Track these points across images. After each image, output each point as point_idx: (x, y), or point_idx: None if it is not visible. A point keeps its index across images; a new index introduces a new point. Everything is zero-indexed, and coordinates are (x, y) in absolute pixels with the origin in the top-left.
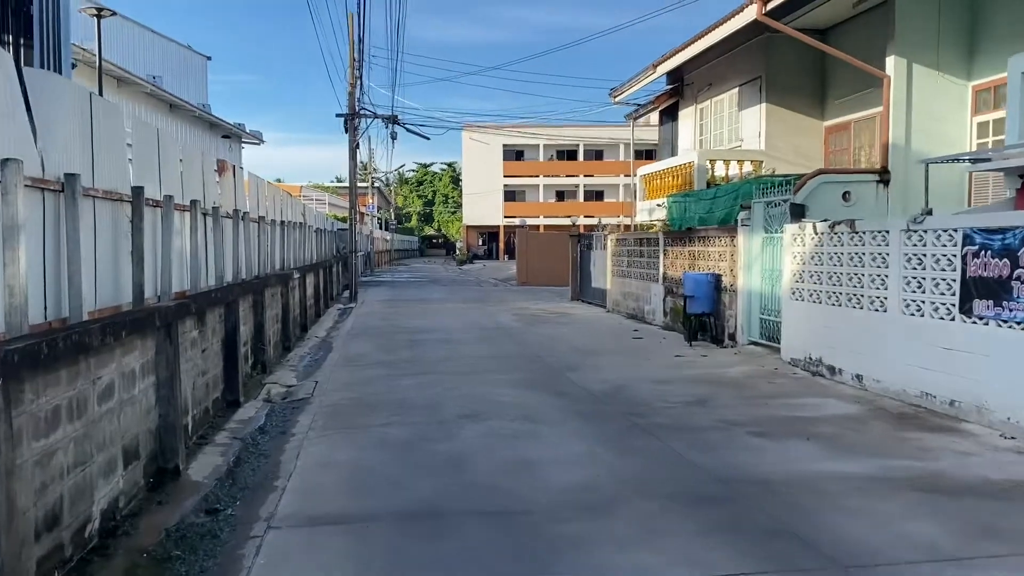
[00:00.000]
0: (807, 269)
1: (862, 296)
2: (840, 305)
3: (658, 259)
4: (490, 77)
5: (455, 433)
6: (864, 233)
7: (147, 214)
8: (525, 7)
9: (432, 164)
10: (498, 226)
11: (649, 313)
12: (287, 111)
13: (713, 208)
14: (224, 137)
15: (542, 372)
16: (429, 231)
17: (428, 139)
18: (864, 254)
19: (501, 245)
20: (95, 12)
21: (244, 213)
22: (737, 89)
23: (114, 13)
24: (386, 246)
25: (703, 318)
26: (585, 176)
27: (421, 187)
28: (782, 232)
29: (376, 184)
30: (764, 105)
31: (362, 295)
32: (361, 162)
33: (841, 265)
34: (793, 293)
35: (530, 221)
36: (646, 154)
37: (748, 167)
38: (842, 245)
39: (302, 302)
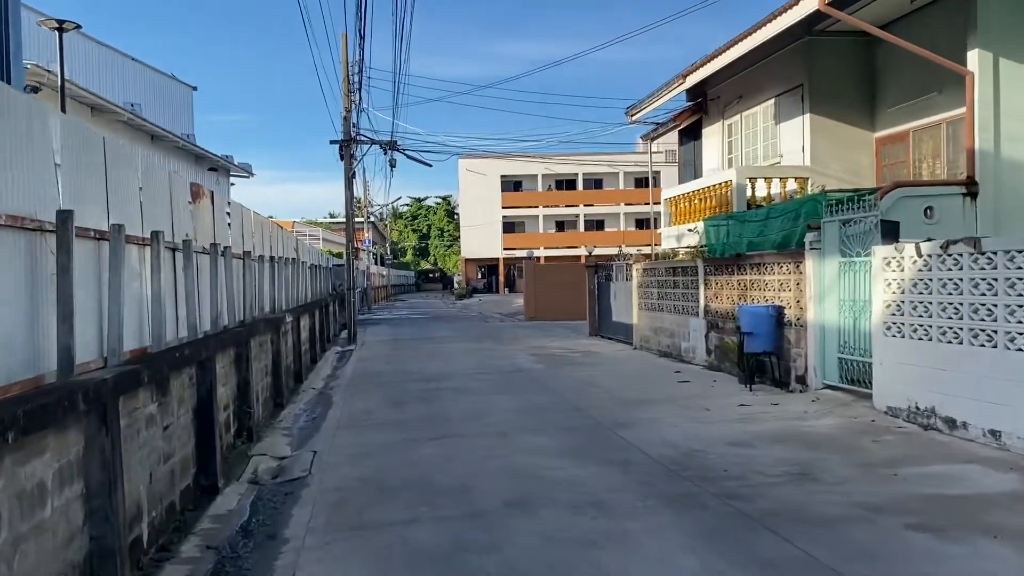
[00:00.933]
0: (909, 298)
1: (994, 332)
2: (960, 342)
3: (697, 290)
4: (492, 97)
5: (503, 536)
6: (996, 254)
7: (83, 249)
8: (528, 40)
9: (427, 198)
10: (497, 258)
11: (687, 351)
12: (279, 148)
13: (765, 231)
14: (211, 170)
15: (588, 431)
16: (425, 265)
17: (430, 166)
18: (997, 279)
19: (501, 278)
20: (56, 26)
21: (225, 248)
22: (773, 100)
23: (78, 26)
24: (383, 281)
25: (762, 357)
26: (585, 205)
27: (416, 221)
28: (866, 255)
29: (371, 219)
30: (807, 116)
31: (361, 335)
32: (356, 199)
33: (960, 293)
34: (889, 328)
35: (530, 253)
36: (644, 182)
37: (792, 185)
38: (960, 269)
39: (296, 348)
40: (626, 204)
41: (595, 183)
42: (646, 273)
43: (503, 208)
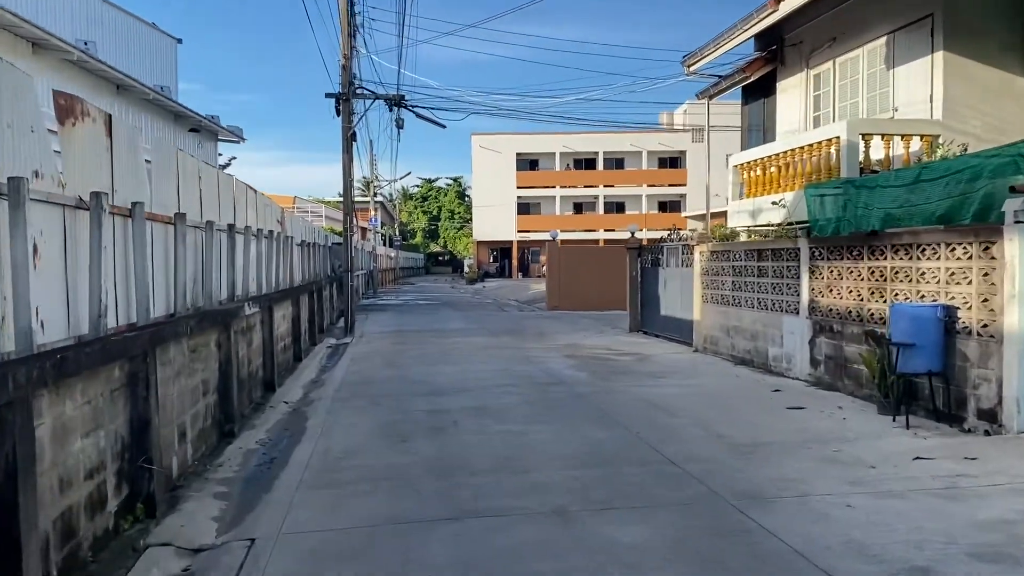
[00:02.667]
0: None
1: None
2: None
3: (797, 280)
4: (515, 45)
5: None
6: None
7: None
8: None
9: (437, 179)
10: (511, 241)
11: (778, 360)
12: (286, 126)
13: (914, 199)
14: (192, 131)
15: (701, 512)
16: (435, 248)
17: (443, 126)
18: None
19: (515, 262)
20: None
21: (136, 204)
22: (886, 39)
23: None
24: (391, 264)
25: (918, 379)
26: (605, 186)
27: (426, 202)
28: None
29: (379, 198)
30: (939, 56)
31: (361, 324)
32: (363, 177)
33: None
34: None
35: (545, 236)
36: (668, 162)
37: (916, 145)
38: None
39: (267, 347)
40: (649, 185)
41: (616, 162)
42: (715, 257)
43: (518, 188)
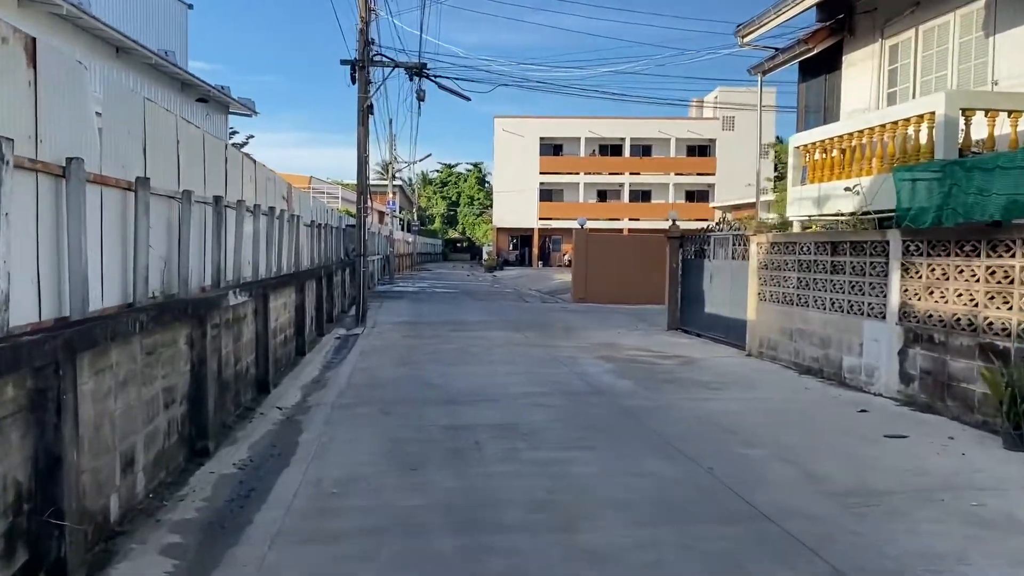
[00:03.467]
0: None
1: None
2: None
3: (885, 278)
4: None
5: None
6: None
7: None
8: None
9: (457, 164)
10: (532, 229)
11: (856, 372)
12: (305, 108)
13: None
14: (200, 101)
15: None
16: (453, 234)
17: (468, 99)
18: None
19: (535, 250)
20: None
21: (74, 161)
22: (985, 1)
23: None
24: (408, 249)
25: None
26: (631, 174)
27: (445, 188)
28: None
29: (398, 181)
30: None
31: (375, 313)
32: (382, 160)
33: None
34: None
35: (568, 224)
36: (696, 150)
37: None
38: None
39: (260, 343)
40: (676, 174)
41: (643, 149)
42: (776, 250)
43: (541, 173)
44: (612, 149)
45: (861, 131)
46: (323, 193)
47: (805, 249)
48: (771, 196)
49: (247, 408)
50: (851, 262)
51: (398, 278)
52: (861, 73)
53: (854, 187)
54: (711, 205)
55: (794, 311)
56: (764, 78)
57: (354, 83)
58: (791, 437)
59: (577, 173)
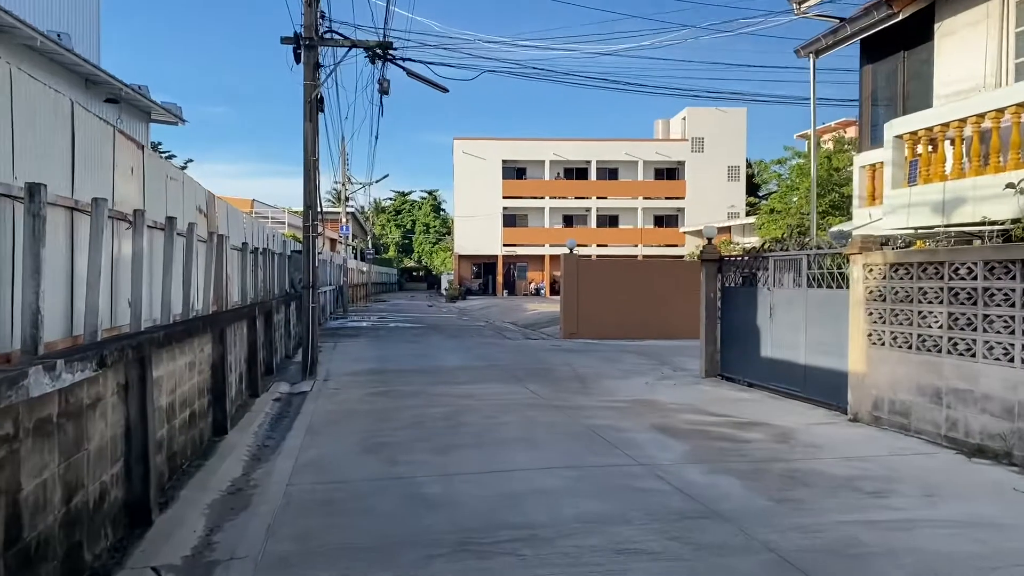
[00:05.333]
0: None
1: None
2: None
3: None
4: None
5: None
6: None
7: None
8: None
9: (411, 192)
10: (496, 256)
11: None
12: (256, 141)
13: None
14: (110, 101)
15: None
16: (409, 263)
17: (446, 90)
18: None
19: (500, 278)
20: None
21: None
22: None
23: None
24: (363, 279)
25: None
26: (598, 198)
27: (399, 216)
28: None
29: (351, 207)
30: None
31: (327, 359)
32: (333, 187)
33: None
34: None
35: (534, 250)
36: (664, 173)
37: None
38: None
39: (131, 442)
40: (644, 198)
41: (609, 172)
42: (904, 273)
43: (504, 198)
44: (578, 172)
45: (1003, 109)
46: (267, 218)
47: (962, 272)
48: (746, 220)
49: (93, 574)
50: None
51: (352, 311)
52: (966, 42)
53: (1019, 184)
54: (681, 230)
55: (944, 362)
56: (816, 59)
57: (299, 62)
58: None
59: (542, 197)
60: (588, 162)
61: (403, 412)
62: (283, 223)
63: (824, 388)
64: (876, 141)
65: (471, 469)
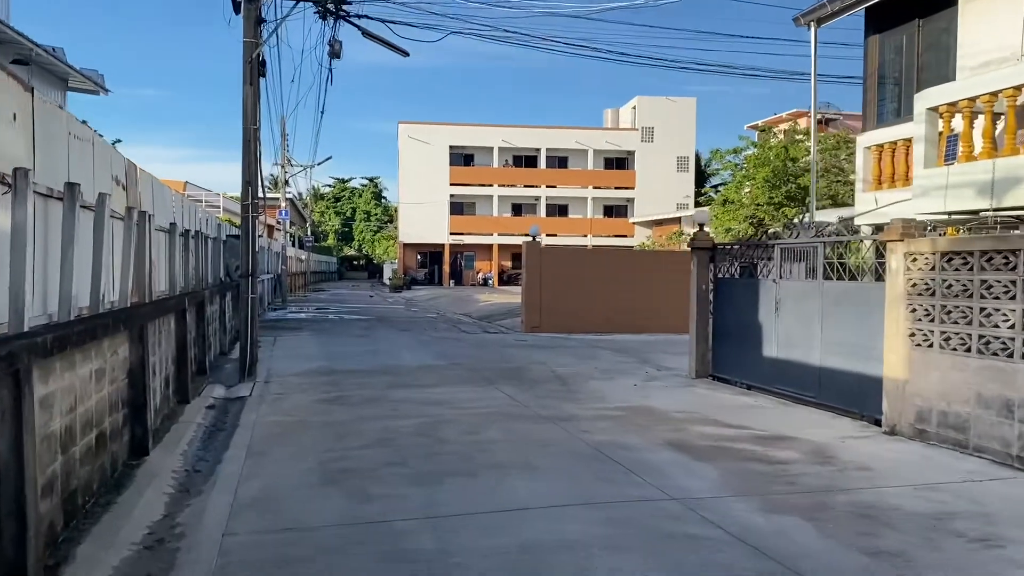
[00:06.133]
0: None
1: None
2: None
3: None
4: None
5: None
6: None
7: None
8: None
9: (351, 179)
10: (442, 245)
11: None
12: (197, 127)
13: None
14: (17, 63)
15: None
16: (349, 251)
17: (406, 54)
18: None
19: (446, 268)
20: None
21: None
22: None
23: None
24: (302, 267)
25: None
26: (548, 187)
27: (339, 203)
28: None
29: (290, 193)
30: None
31: (268, 356)
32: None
33: None
34: None
35: (482, 239)
36: (614, 163)
37: None
38: None
39: None
40: (594, 187)
41: (559, 161)
42: (956, 264)
43: (451, 185)
44: (527, 160)
45: None
46: (201, 201)
47: None
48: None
49: None
50: None
51: (292, 301)
52: (994, 7)
53: None
54: (631, 220)
55: (1018, 369)
56: (818, 28)
57: (238, 13)
58: None
59: (491, 185)
60: (537, 150)
61: (365, 425)
62: (218, 207)
63: (844, 394)
64: (883, 119)
65: (465, 508)
